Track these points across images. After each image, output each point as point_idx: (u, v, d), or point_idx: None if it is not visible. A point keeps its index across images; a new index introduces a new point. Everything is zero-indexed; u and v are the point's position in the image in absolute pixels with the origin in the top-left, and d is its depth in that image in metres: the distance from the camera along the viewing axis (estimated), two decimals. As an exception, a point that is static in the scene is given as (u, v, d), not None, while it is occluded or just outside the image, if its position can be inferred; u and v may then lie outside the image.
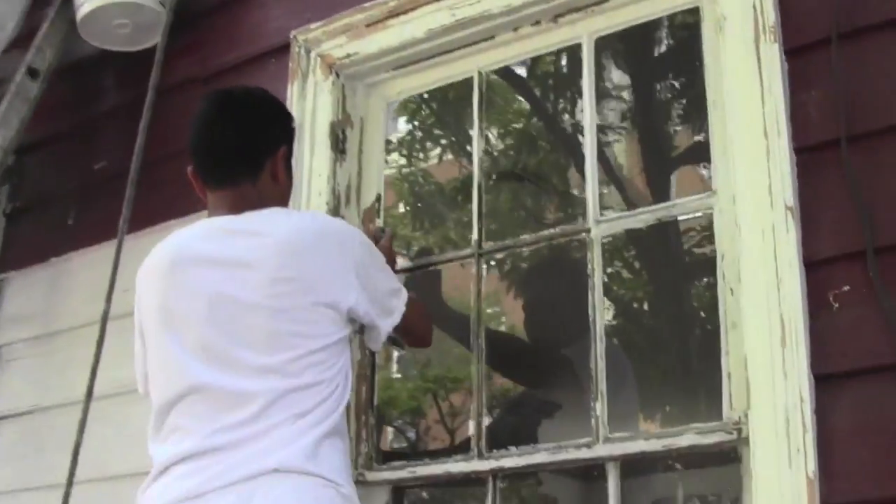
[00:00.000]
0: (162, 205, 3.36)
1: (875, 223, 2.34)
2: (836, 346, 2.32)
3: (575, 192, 6.19)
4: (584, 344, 2.75)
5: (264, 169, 2.43)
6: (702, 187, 3.86)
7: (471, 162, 6.89)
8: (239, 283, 2.28)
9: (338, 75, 3.27)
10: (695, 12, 2.83)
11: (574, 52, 3.15)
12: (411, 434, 9.66)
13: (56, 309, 3.68)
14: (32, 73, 3.57)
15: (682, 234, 6.02)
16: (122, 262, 3.13)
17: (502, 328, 6.77)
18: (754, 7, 2.58)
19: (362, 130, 3.29)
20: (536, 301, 4.13)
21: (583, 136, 6.13)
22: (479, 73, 3.18)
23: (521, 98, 6.41)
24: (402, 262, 3.11)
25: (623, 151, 6.29)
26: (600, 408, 2.66)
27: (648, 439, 2.59)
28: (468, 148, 6.89)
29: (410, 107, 7.00)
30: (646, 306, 6.03)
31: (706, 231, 5.56)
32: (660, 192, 5.85)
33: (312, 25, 3.32)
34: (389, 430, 9.10)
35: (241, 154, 2.43)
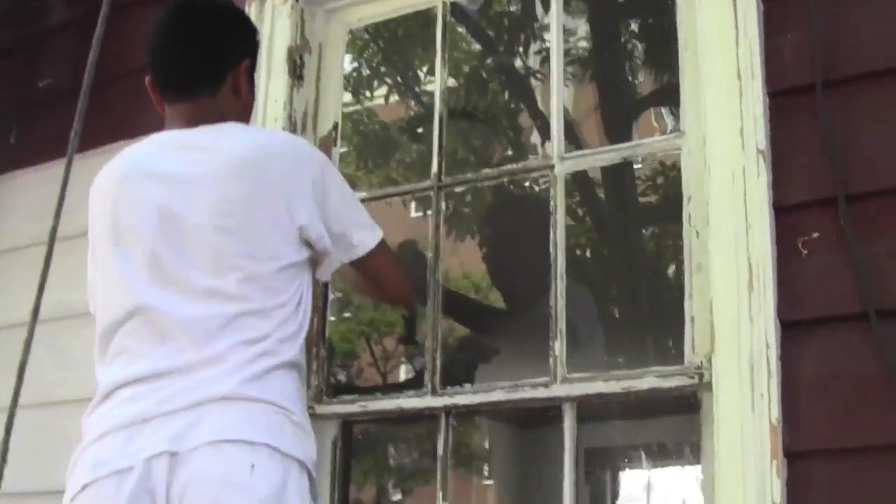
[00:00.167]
0: (113, 124, 3.25)
1: (848, 170, 2.31)
2: (803, 292, 2.30)
3: (529, 134, 6.13)
4: (544, 283, 2.70)
5: (225, 81, 2.34)
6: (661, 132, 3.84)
7: (419, 102, 6.89)
8: (187, 200, 2.19)
9: (297, -1, 3.18)
10: (667, -51, 2.78)
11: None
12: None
13: (-3, 227, 3.57)
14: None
15: (646, 175, 5.99)
16: (71, 182, 3.03)
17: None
18: (730, -56, 2.53)
19: (321, 57, 3.20)
20: (496, 240, 4.09)
21: (539, 76, 6.10)
22: (443, 3, 3.10)
23: (474, 39, 6.31)
24: (358, 194, 3.04)
25: (583, 93, 6.22)
26: (559, 347, 2.63)
27: (608, 381, 2.55)
28: (416, 88, 6.79)
29: (357, 44, 6.87)
30: (607, 248, 5.99)
31: (672, 172, 5.54)
32: (621, 136, 5.79)
33: (272, -54, 3.21)
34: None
35: (201, 64, 2.34)
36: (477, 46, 6.33)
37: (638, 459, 7.45)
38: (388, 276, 2.52)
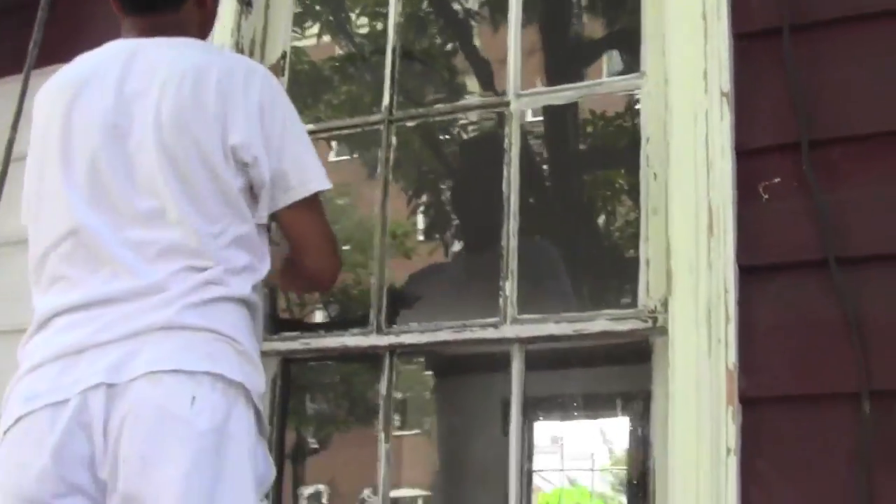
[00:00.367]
0: (73, 37, 3.07)
1: (812, 116, 2.28)
2: (763, 238, 2.28)
3: (483, 72, 6.03)
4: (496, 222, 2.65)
5: None
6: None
7: (351, 41, 6.76)
8: (131, 115, 2.06)
9: (247, -80, 3.07)
10: None
11: None
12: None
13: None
14: None
15: (602, 115, 5.91)
16: (29, 97, 2.84)
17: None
18: None
19: (270, -16, 3.10)
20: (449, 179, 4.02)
21: (496, 16, 5.98)
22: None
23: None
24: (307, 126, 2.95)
25: (539, 33, 6.12)
26: (510, 287, 2.58)
27: (559, 322, 2.52)
28: (348, 28, 6.64)
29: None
30: (563, 188, 5.91)
31: (630, 113, 5.48)
32: (575, 77, 5.71)
33: None
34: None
35: None
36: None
37: (585, 408, 7.46)
38: (317, 242, 2.22)
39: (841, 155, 2.26)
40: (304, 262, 2.23)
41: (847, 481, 2.09)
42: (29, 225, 2.18)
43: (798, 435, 2.16)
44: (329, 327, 3.21)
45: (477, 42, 6.15)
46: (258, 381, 2.06)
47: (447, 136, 5.18)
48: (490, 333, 2.58)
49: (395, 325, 2.70)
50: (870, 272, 2.17)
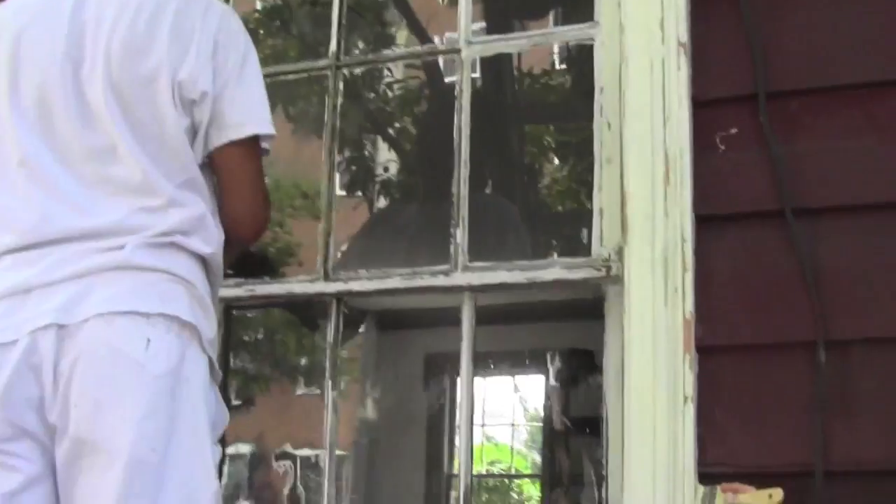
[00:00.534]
0: None
1: (769, 67, 2.29)
2: (720, 188, 2.29)
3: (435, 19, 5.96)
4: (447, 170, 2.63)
5: None
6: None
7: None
8: (83, 47, 1.99)
9: None
10: None
11: None
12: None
13: None
14: None
15: (555, 65, 5.89)
16: None
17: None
18: None
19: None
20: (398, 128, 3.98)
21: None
22: None
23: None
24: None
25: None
26: (461, 235, 2.56)
27: (511, 270, 2.50)
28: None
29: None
30: (514, 138, 5.87)
31: (583, 62, 5.44)
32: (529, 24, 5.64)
33: None
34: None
35: None
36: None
37: (533, 361, 7.50)
38: (245, 189, 2.09)
39: (799, 107, 2.27)
40: (227, 207, 2.08)
41: (803, 429, 2.11)
42: None
43: (754, 383, 2.18)
44: (275, 273, 3.13)
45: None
46: (210, 326, 2.01)
47: (394, 86, 5.12)
48: (441, 281, 2.56)
49: (342, 272, 2.67)
50: (826, 223, 2.20)
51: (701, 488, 2.11)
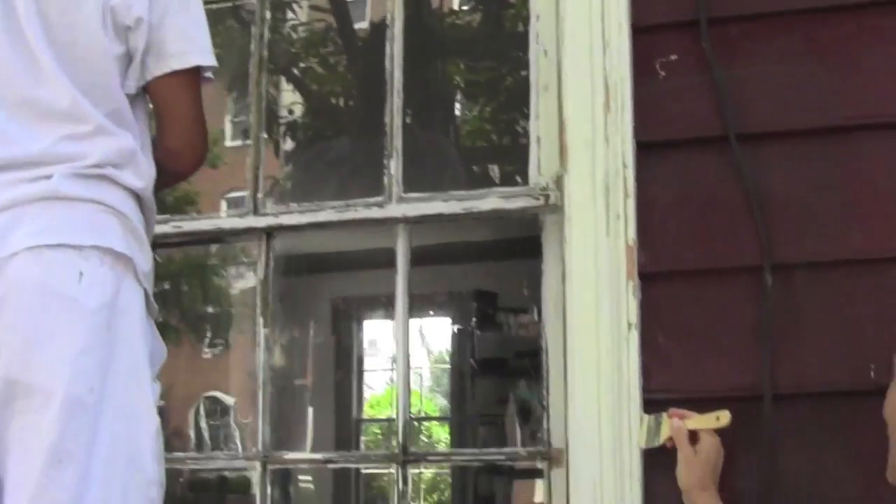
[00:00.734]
0: None
1: (710, -8, 2.26)
2: (661, 114, 2.26)
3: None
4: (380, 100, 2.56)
5: None
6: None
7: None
8: None
9: None
10: None
11: None
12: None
13: None
14: None
15: None
16: None
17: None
18: None
19: None
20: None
21: None
22: None
23: None
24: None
25: None
26: (395, 166, 2.50)
27: (447, 201, 2.46)
28: None
29: None
30: (448, 67, 5.76)
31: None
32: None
33: None
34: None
35: None
36: None
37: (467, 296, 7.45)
38: (185, 120, 2.01)
39: (740, 33, 2.25)
40: (166, 139, 2.01)
41: (748, 353, 2.12)
42: None
43: (699, 309, 2.18)
44: (202, 208, 3.04)
45: None
46: (145, 258, 1.92)
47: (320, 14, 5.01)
48: (375, 213, 2.50)
49: (271, 206, 2.60)
50: (768, 149, 2.19)
51: (647, 417, 2.11)
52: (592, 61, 2.30)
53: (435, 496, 13.45)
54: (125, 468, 1.77)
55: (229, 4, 2.94)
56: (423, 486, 14.04)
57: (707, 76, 2.23)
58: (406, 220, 2.48)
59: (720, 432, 2.01)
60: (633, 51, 2.28)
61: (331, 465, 6.34)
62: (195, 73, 1.98)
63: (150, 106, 2.02)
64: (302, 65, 5.97)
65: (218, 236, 2.67)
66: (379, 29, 2.58)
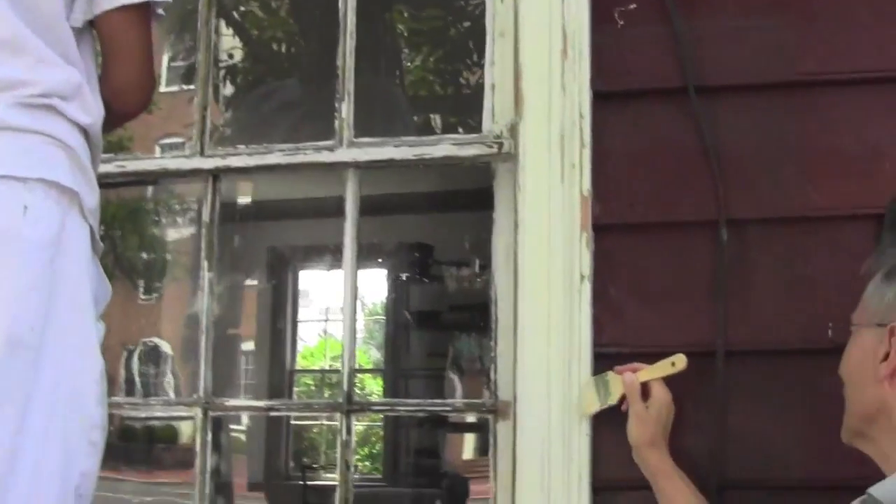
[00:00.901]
0: None
1: (671, -58, 2.23)
2: (619, 64, 2.23)
3: None
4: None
5: None
6: None
7: None
8: None
9: None
10: None
11: None
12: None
13: None
14: None
15: None
16: None
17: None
18: None
19: None
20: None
21: None
22: None
23: None
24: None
25: None
26: (346, 109, 2.44)
27: (399, 147, 2.40)
28: None
29: None
30: (397, 13, 5.65)
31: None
32: None
33: None
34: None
35: None
36: None
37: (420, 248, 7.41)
38: (135, 53, 1.93)
39: (700, -17, 2.22)
40: (113, 76, 1.93)
41: (702, 309, 2.10)
42: None
43: (653, 263, 2.16)
44: (148, 149, 2.94)
45: None
46: (92, 194, 1.86)
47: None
48: (325, 157, 2.44)
49: (220, 147, 2.53)
50: (727, 102, 2.17)
51: (591, 380, 2.09)
52: (550, 8, 2.25)
53: (366, 449, 13.44)
54: (67, 411, 1.72)
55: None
56: (355, 439, 14.02)
57: (666, 27, 2.19)
58: (357, 166, 2.43)
59: (672, 388, 2.00)
60: (591, -1, 2.25)
61: (273, 413, 6.28)
62: (146, 8, 1.91)
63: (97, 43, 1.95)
64: (242, 8, 5.90)
65: (163, 177, 2.60)
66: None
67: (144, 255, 10.60)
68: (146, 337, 11.03)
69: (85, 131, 1.85)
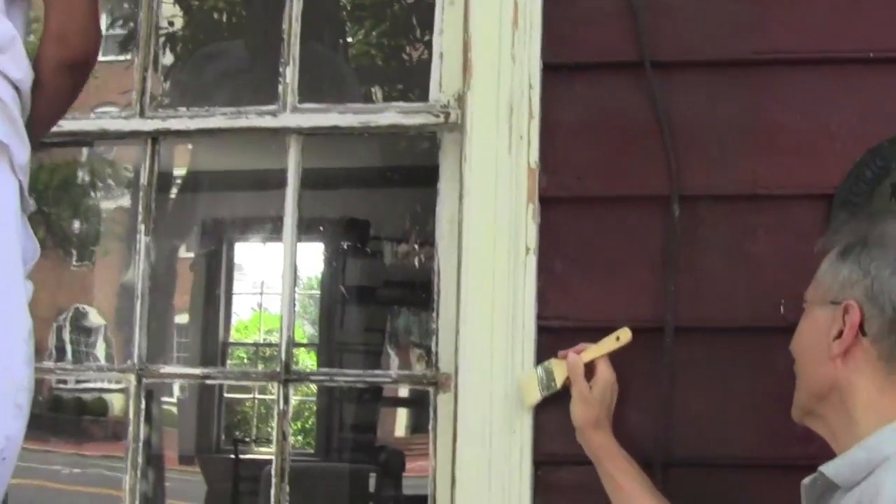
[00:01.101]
0: None
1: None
2: (571, 35, 2.20)
3: None
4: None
5: None
6: None
7: None
8: None
9: None
10: None
11: None
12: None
13: None
14: None
15: None
16: None
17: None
18: None
19: None
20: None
21: None
22: None
23: None
24: None
25: None
26: (290, 74, 2.39)
27: (344, 113, 2.36)
28: None
29: None
30: None
31: None
32: None
33: None
34: None
35: None
36: None
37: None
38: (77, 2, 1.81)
39: (655, -43, 2.19)
40: (55, 19, 1.79)
41: (649, 285, 2.08)
42: None
43: (601, 237, 2.13)
44: (86, 109, 2.84)
45: None
46: (23, 148, 1.79)
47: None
48: (267, 122, 2.38)
49: (161, 110, 2.47)
50: (680, 77, 2.15)
51: (534, 370, 2.07)
52: (502, -24, 2.21)
53: (299, 423, 13.39)
54: None
55: None
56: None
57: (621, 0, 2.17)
58: (299, 132, 2.38)
59: (618, 364, 1.97)
60: (543, -31, 2.21)
61: (209, 381, 6.20)
62: None
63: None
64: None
65: (101, 139, 2.52)
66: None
67: (77, 223, 10.44)
68: (78, 304, 10.88)
69: (17, 88, 1.77)
